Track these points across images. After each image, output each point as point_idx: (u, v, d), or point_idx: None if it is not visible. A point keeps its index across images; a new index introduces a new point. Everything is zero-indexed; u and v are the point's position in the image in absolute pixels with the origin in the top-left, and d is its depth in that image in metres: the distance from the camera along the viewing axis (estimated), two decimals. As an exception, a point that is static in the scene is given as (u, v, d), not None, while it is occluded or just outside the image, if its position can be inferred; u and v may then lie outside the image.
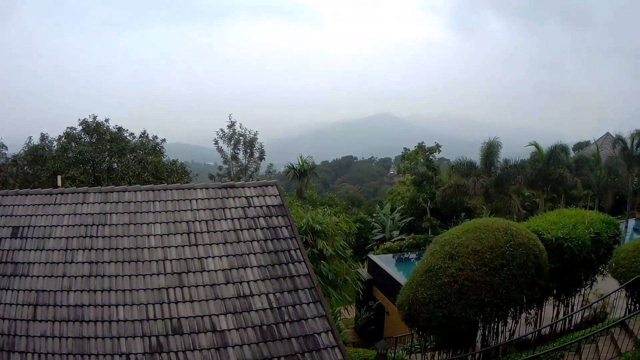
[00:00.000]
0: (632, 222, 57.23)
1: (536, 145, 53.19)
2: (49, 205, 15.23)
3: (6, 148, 49.25)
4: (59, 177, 25.72)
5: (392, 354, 22.89)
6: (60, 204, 15.31)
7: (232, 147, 61.68)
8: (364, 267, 42.69)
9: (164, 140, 50.95)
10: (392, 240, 54.26)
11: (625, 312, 20.50)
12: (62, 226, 14.56)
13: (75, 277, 13.15)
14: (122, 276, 13.30)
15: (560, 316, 22.82)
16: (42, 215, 14.85)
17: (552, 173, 49.29)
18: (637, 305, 20.57)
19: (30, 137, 47.32)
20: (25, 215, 14.84)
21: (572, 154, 61.02)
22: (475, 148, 52.01)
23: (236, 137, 61.44)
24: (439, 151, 67.16)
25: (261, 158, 62.87)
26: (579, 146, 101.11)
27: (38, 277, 13.07)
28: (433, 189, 56.30)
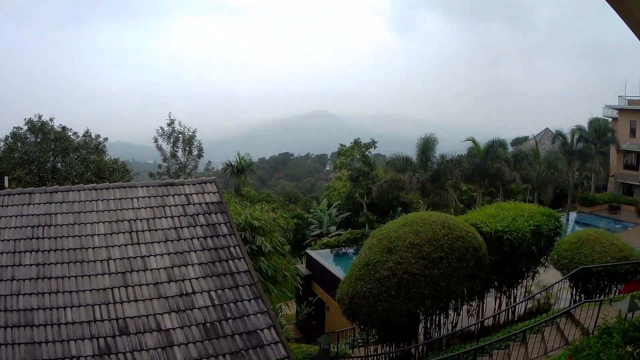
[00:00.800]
0: (573, 215, 61.16)
1: (473, 141, 56.19)
2: None
3: None
4: (6, 179, 26.30)
5: (335, 349, 23.94)
6: (7, 206, 15.82)
7: (171, 145, 64.26)
8: (302, 263, 44.17)
9: (106, 139, 52.97)
10: (330, 235, 56.37)
11: (570, 303, 22.05)
12: (9, 228, 15.12)
13: (24, 280, 13.67)
14: (69, 277, 13.90)
15: (503, 308, 24.24)
16: (-11, 218, 15.38)
17: (490, 167, 52.15)
18: (582, 295, 22.27)
19: None
20: (-27, 219, 15.33)
21: (510, 149, 64.29)
22: (412, 145, 54.03)
23: (175, 135, 64.08)
24: (375, 147, 71.09)
25: (199, 156, 65.73)
26: (518, 142, 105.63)
27: (-13, 281, 13.58)
28: (369, 185, 58.63)
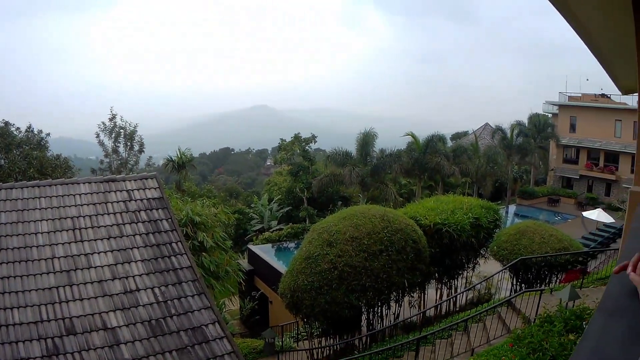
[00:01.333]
0: (513, 208, 63.59)
1: (412, 135, 57.91)
2: None
3: None
4: None
5: (280, 343, 24.61)
6: None
7: (113, 140, 63.57)
8: (244, 258, 44.87)
9: (48, 134, 52.25)
10: (271, 230, 57.09)
11: (511, 292, 23.15)
12: None
13: None
14: (14, 277, 13.83)
15: (444, 298, 25.17)
16: None
17: (429, 162, 54.13)
18: (523, 285, 23.33)
19: None
20: None
21: (450, 143, 66.32)
22: (352, 139, 55.17)
23: (117, 130, 63.36)
24: (315, 142, 72.09)
25: (141, 151, 65.32)
26: (457, 136, 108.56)
27: None
28: (309, 179, 59.72)
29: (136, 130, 64.55)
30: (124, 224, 16.49)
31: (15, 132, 49.39)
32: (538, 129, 68.96)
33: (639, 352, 1.24)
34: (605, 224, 49.43)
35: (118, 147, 64.01)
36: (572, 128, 72.27)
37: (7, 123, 48.90)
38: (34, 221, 15.74)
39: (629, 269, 1.62)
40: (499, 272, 23.02)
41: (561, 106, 75.11)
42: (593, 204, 62.81)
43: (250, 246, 45.71)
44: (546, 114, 77.11)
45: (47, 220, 15.87)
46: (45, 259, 14.65)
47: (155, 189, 18.09)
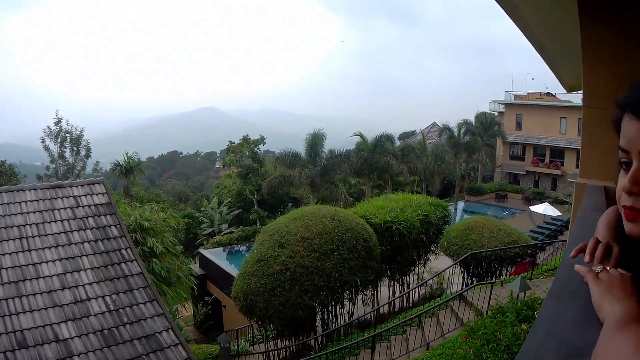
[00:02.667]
0: (461, 204, 64.85)
1: (361, 135, 58.52)
2: None
3: None
4: None
5: (235, 347, 24.54)
6: None
7: (58, 145, 62.33)
8: (195, 263, 44.17)
9: None
10: (222, 233, 56.77)
11: (462, 286, 23.53)
12: None
13: None
14: None
15: (397, 295, 25.49)
16: None
17: (378, 161, 54.99)
18: (474, 279, 23.69)
19: None
20: None
21: (398, 143, 66.92)
22: (299, 140, 55.40)
23: (63, 134, 62.21)
24: (264, 144, 71.34)
25: (87, 156, 64.53)
26: (405, 136, 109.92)
27: None
28: (259, 181, 59.50)
29: (82, 135, 63.74)
30: (72, 232, 16.10)
31: None
32: (485, 127, 70.11)
33: (591, 333, 1.30)
34: (552, 217, 50.61)
35: (64, 152, 62.96)
36: (519, 126, 74.19)
37: None
38: None
39: (587, 257, 1.69)
40: (450, 267, 23.39)
41: (507, 105, 76.95)
42: (540, 198, 64.53)
43: (202, 250, 45.44)
44: (493, 112, 78.62)
45: None
46: None
47: (102, 194, 17.76)
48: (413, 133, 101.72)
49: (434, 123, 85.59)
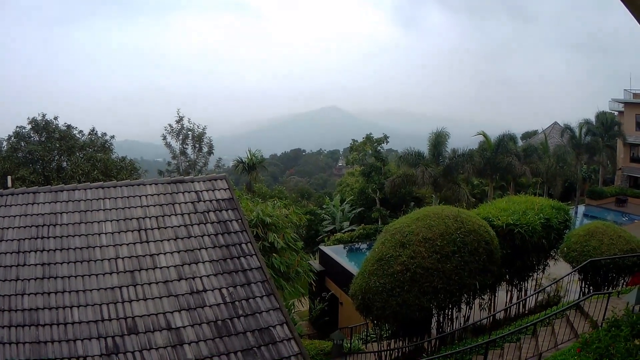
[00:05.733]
0: (582, 208, 59.97)
1: (484, 135, 55.12)
2: (0, 207, 15.11)
3: None
4: (9, 178, 25.20)
5: (348, 344, 23.41)
6: (10, 205, 15.16)
7: (180, 142, 62.42)
8: (315, 259, 43.35)
9: (112, 137, 51.13)
10: (343, 231, 55.19)
11: (579, 295, 21.42)
12: (13, 228, 14.48)
13: (29, 279, 13.11)
14: (75, 277, 13.35)
15: (514, 301, 23.58)
16: (-8, 218, 14.77)
17: (501, 162, 51.37)
18: (591, 288, 21.56)
19: None
20: (-25, 219, 14.78)
21: (520, 143, 63.24)
22: (421, 141, 53.48)
23: (184, 132, 62.22)
24: (387, 142, 69.09)
25: (210, 153, 63.76)
26: (527, 135, 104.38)
27: (-9, 281, 13.02)
28: (382, 180, 57.31)
29: (205, 132, 63.27)
30: (192, 225, 15.77)
31: (77, 135, 48.46)
32: (605, 128, 64.83)
33: None
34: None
35: (186, 149, 62.85)
36: (638, 126, 67.40)
37: (69, 126, 47.82)
38: (98, 222, 15.19)
39: None
40: (568, 275, 21.37)
41: (626, 104, 69.69)
42: (662, 204, 58.89)
43: (322, 247, 44.14)
44: (612, 111, 72.27)
45: (111, 221, 15.31)
46: (108, 259, 14.06)
47: (224, 190, 17.31)
48: (535, 133, 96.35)
49: (555, 122, 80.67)
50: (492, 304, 23.44)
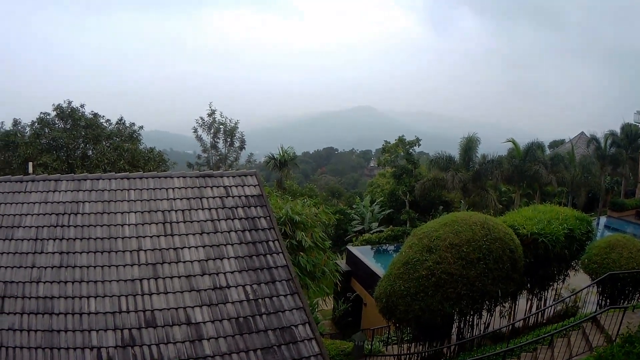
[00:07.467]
0: (603, 220, 57.52)
1: (513, 142, 53.45)
2: (19, 193, 14.37)
3: None
4: (30, 164, 24.49)
5: (369, 346, 22.70)
6: (30, 192, 14.46)
7: (211, 135, 60.53)
8: (342, 259, 42.11)
9: (141, 127, 48.93)
10: (371, 232, 54.07)
11: (596, 308, 20.45)
12: (32, 215, 13.75)
13: (45, 267, 12.44)
14: (95, 267, 12.65)
15: (534, 310, 22.83)
16: (11, 204, 13.97)
17: (528, 169, 49.49)
18: (608, 300, 20.53)
19: (2, 123, 45.13)
20: (-6, 204, 14.22)
21: (547, 151, 61.25)
22: (450, 144, 52.07)
23: (216, 125, 60.24)
24: (419, 145, 67.53)
25: (241, 147, 61.63)
26: (554, 144, 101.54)
27: (6, 267, 12.38)
28: (412, 182, 55.48)
29: (237, 127, 60.90)
30: (219, 220, 14.93)
31: (104, 124, 46.36)
32: (630, 140, 62.55)
33: None
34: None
35: (217, 142, 60.79)
36: None
37: (95, 115, 45.64)
38: (121, 213, 14.40)
39: None
40: (588, 287, 20.46)
41: None
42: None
43: (350, 247, 42.88)
44: (637, 123, 68.92)
45: (135, 212, 14.52)
46: (130, 251, 13.31)
47: (254, 186, 16.45)
48: (562, 142, 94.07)
49: (582, 132, 77.81)
50: (513, 312, 22.69)
